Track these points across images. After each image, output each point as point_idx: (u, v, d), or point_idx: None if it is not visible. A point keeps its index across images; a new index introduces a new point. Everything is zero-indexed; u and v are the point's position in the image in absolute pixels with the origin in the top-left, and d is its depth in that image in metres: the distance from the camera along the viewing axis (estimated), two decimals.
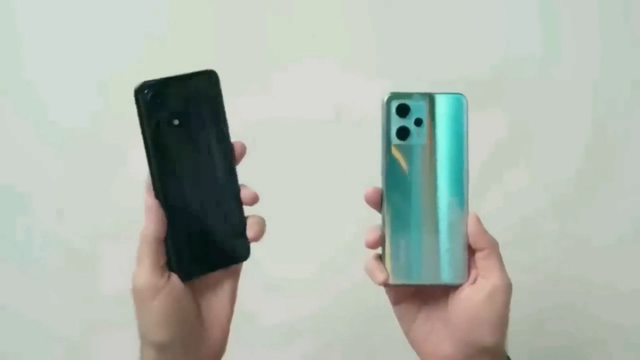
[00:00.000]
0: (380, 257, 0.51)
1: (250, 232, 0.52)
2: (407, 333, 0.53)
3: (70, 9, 0.83)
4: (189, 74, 0.51)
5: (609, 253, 0.83)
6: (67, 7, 0.83)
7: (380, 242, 0.51)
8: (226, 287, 0.53)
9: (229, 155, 0.53)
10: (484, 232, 0.50)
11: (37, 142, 0.84)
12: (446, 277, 0.51)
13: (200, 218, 0.52)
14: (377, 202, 0.51)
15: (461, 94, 0.51)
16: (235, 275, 0.54)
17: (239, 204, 0.53)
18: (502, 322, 0.50)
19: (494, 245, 0.50)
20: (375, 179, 0.52)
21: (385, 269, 0.51)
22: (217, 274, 0.53)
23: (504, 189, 0.83)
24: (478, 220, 0.50)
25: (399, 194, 0.51)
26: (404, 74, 0.82)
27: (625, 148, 0.83)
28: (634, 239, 0.83)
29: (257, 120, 0.79)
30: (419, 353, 0.53)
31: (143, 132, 0.50)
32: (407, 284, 0.51)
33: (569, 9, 0.82)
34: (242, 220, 0.53)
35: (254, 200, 0.52)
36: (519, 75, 0.83)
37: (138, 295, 0.49)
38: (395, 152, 0.51)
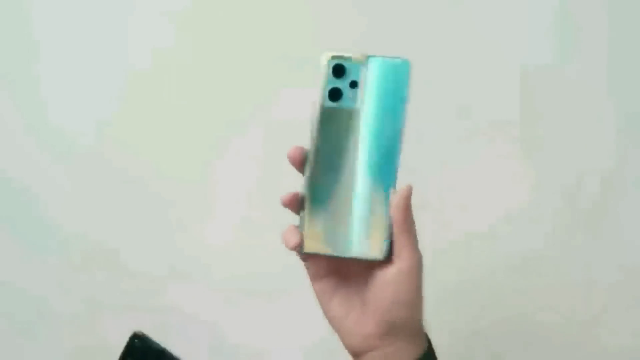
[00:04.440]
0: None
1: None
2: (325, 311, 0.52)
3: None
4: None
5: None
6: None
7: (299, 206, 0.49)
8: None
9: None
10: (405, 207, 0.48)
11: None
12: (362, 250, 0.49)
13: None
14: (301, 163, 0.49)
15: (406, 60, 0.49)
16: None
17: None
18: (419, 298, 0.50)
19: (412, 220, 0.49)
20: None
21: (301, 236, 0.48)
22: None
23: None
24: (405, 195, 0.48)
25: (323, 158, 0.49)
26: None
27: None
28: None
29: None
30: (338, 331, 0.52)
31: None
32: (321, 253, 0.49)
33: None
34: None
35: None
36: None
37: None
38: (325, 114, 0.49)
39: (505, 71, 0.82)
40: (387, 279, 0.49)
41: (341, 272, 0.52)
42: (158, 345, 0.64)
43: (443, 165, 0.83)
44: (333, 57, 0.49)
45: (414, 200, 0.49)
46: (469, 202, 0.83)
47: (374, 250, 0.49)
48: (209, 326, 0.85)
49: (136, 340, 0.63)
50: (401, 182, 0.50)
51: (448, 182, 0.83)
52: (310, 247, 0.49)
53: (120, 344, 0.80)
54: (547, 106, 0.83)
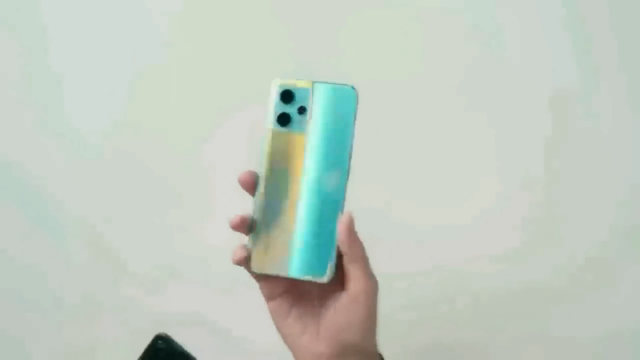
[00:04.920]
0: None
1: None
2: (280, 329, 0.53)
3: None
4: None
5: None
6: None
7: (249, 228, 0.50)
8: None
9: None
10: (351, 234, 0.49)
11: None
12: (307, 272, 0.50)
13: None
14: (251, 187, 0.51)
15: (352, 87, 0.50)
16: None
17: None
18: (371, 323, 0.51)
19: (359, 249, 0.49)
20: None
21: (247, 253, 0.50)
22: None
23: None
24: (349, 222, 0.49)
25: (272, 181, 0.50)
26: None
27: None
28: None
29: None
30: (292, 350, 0.53)
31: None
32: (266, 273, 0.50)
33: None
34: None
35: None
36: None
37: None
38: (275, 138, 0.50)
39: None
40: (339, 304, 0.50)
41: (294, 293, 0.53)
42: (181, 347, 0.65)
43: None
44: (281, 83, 0.50)
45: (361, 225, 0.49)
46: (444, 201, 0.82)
47: (318, 272, 0.50)
48: (209, 326, 0.86)
49: (159, 342, 0.64)
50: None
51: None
52: (257, 267, 0.50)
53: (119, 343, 0.81)
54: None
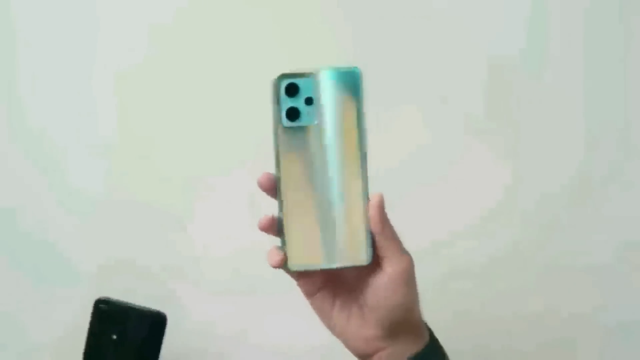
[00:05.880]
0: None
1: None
2: (326, 322, 0.53)
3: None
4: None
5: None
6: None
7: (279, 229, 0.50)
8: None
9: None
10: (383, 214, 0.50)
11: None
12: (347, 259, 0.50)
13: None
14: (272, 188, 0.50)
15: (355, 67, 0.49)
16: None
17: None
18: (413, 297, 0.51)
19: (391, 228, 0.50)
20: None
21: (284, 254, 0.50)
22: None
23: None
24: (381, 202, 0.50)
25: (293, 178, 0.50)
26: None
27: None
28: None
29: None
30: (342, 339, 0.53)
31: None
32: (308, 269, 0.51)
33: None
34: None
35: None
36: None
37: None
38: (287, 135, 0.49)
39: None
40: (379, 285, 0.51)
41: (334, 283, 0.53)
42: (123, 303, 0.68)
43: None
44: (283, 77, 0.49)
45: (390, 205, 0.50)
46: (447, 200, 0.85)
47: (358, 257, 0.50)
48: (209, 325, 0.85)
49: (101, 305, 0.67)
50: (376, 184, 0.51)
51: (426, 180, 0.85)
52: (295, 265, 0.50)
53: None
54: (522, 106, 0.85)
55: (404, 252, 0.51)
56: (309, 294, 0.53)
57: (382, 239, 0.50)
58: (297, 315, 0.80)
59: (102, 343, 0.67)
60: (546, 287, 0.85)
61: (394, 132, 0.83)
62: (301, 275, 0.52)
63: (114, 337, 0.67)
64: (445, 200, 0.85)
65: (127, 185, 0.87)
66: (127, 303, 0.68)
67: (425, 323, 0.54)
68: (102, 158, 0.87)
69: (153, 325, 0.68)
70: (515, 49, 0.85)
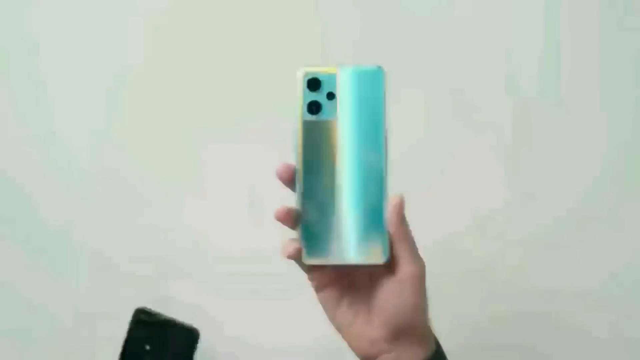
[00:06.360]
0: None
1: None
2: (332, 319, 0.53)
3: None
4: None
5: None
6: None
7: (296, 221, 0.50)
8: None
9: None
10: (398, 218, 0.49)
11: None
12: (362, 257, 0.50)
13: None
14: (290, 180, 0.50)
15: (379, 66, 0.50)
16: None
17: None
18: (422, 304, 0.51)
19: (405, 232, 0.50)
20: None
21: (299, 246, 0.49)
22: None
23: None
24: (398, 205, 0.49)
25: (312, 171, 0.50)
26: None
27: None
28: None
29: None
30: (345, 337, 0.53)
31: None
32: (321, 263, 0.50)
33: None
34: None
35: None
36: None
37: None
38: (307, 128, 0.50)
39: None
40: (389, 286, 0.50)
41: (344, 280, 0.53)
42: (162, 316, 0.70)
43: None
44: (307, 72, 0.50)
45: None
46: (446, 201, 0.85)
47: (373, 255, 0.50)
48: (209, 326, 0.85)
49: (142, 315, 0.70)
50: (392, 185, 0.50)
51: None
52: (309, 258, 0.50)
53: (117, 342, 0.79)
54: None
55: (418, 258, 0.50)
56: (319, 288, 0.52)
57: (398, 241, 0.50)
58: (297, 315, 0.80)
59: (135, 351, 0.70)
60: (546, 287, 0.85)
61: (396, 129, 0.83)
62: (313, 269, 0.51)
63: (148, 347, 0.69)
64: (445, 200, 0.85)
65: (128, 185, 0.86)
66: (164, 315, 0.70)
67: (433, 334, 0.54)
68: (101, 158, 0.87)
69: (187, 340, 0.71)
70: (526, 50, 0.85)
